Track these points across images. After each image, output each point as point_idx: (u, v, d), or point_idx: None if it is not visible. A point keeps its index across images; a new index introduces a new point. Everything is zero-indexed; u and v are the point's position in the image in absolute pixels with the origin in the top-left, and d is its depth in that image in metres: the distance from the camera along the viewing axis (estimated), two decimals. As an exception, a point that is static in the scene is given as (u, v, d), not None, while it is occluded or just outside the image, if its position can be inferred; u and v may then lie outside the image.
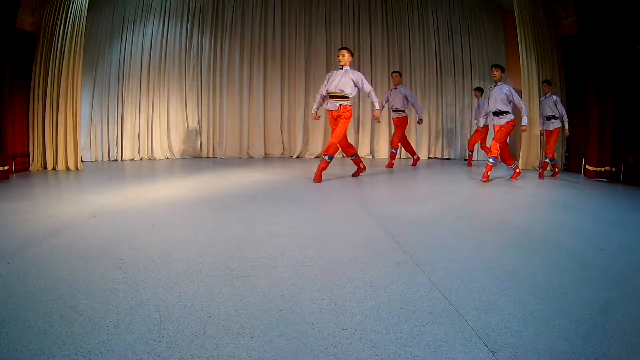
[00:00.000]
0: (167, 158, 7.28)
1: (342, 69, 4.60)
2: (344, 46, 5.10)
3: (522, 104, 4.84)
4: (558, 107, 5.33)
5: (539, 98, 5.72)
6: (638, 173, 4.86)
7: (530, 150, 6.33)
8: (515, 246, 2.34)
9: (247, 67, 7.73)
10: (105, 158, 6.87)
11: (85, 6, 5.50)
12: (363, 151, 8.13)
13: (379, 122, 5.38)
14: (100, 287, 1.62)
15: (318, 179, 4.54)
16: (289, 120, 7.92)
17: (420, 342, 1.25)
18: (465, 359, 1.17)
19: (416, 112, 6.41)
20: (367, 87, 4.65)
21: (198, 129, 7.57)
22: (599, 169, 5.20)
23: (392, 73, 6.55)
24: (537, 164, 6.23)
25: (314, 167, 6.19)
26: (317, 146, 7.86)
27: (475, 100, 7.12)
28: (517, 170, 5.13)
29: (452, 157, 8.09)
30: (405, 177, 5.41)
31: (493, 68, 4.91)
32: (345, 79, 4.55)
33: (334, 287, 1.67)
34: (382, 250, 2.18)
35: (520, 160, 6.26)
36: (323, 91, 4.69)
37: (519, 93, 5.24)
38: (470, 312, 1.45)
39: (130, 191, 3.93)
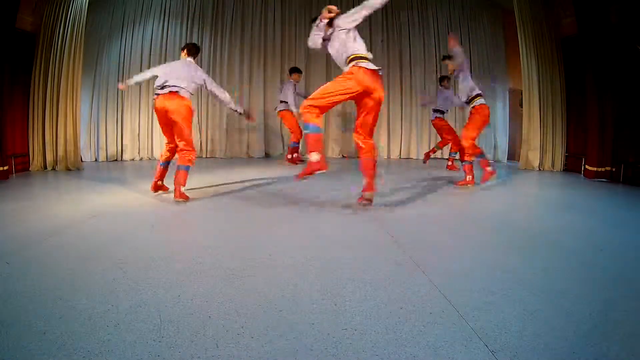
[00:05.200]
0: (167, 158, 7.27)
1: None
2: None
3: None
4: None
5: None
6: (638, 173, 4.85)
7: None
8: (515, 246, 2.33)
9: (247, 66, 7.73)
10: (106, 158, 6.87)
11: (85, 6, 5.50)
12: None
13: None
14: (100, 287, 1.62)
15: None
16: (289, 120, 7.92)
17: (420, 342, 1.25)
18: (465, 359, 1.17)
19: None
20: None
21: (198, 128, 7.56)
22: (599, 169, 5.19)
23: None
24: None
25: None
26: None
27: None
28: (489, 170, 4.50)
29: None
30: (404, 177, 5.41)
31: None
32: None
33: (334, 287, 1.67)
34: (382, 250, 2.18)
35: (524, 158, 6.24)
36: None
37: (521, 94, 5.23)
38: (470, 312, 1.45)
39: (130, 191, 3.93)
